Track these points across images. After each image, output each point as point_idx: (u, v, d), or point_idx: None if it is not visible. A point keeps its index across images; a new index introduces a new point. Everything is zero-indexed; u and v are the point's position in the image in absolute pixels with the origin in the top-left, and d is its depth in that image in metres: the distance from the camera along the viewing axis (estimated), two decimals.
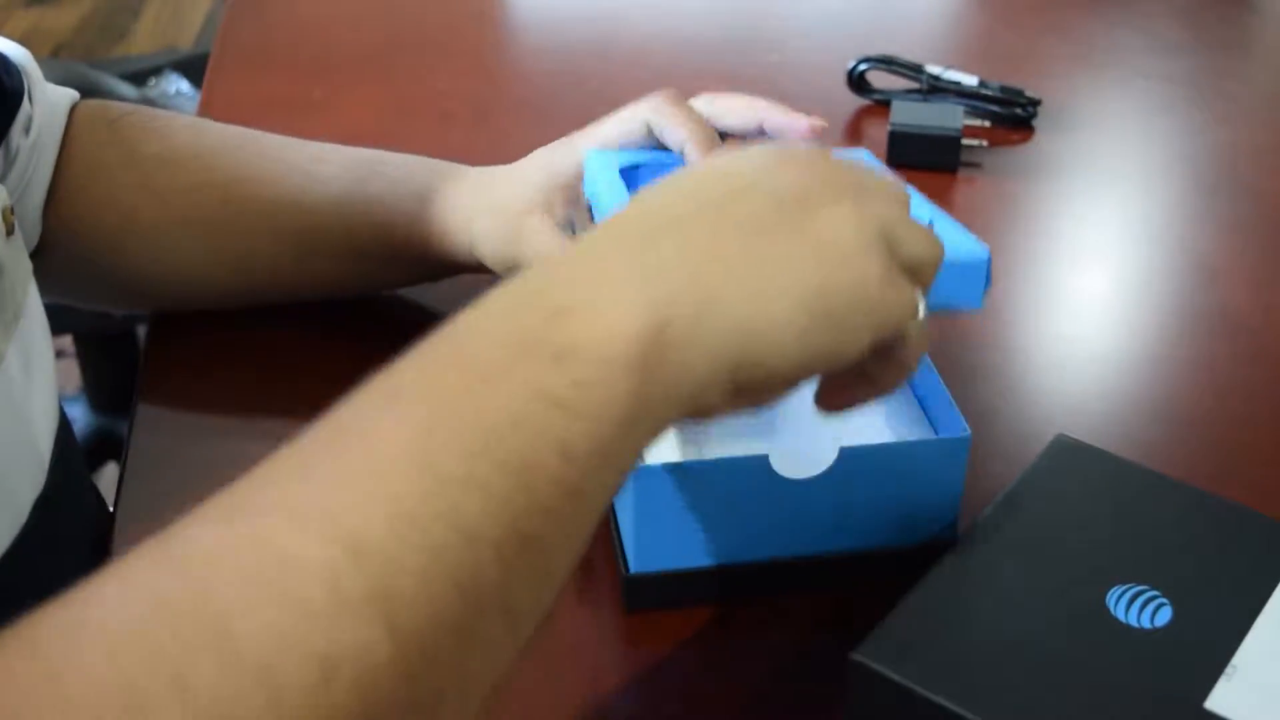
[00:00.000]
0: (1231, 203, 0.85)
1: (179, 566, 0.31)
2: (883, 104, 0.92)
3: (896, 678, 0.44)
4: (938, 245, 0.44)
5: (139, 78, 1.75)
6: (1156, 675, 0.44)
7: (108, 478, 1.53)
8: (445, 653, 0.32)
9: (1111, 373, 0.70)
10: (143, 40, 2.98)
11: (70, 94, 0.69)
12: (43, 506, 0.55)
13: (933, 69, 0.93)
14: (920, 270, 0.43)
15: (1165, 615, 0.46)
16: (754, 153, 0.44)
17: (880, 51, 0.94)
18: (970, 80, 0.92)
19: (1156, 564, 0.48)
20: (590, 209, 0.62)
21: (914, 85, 0.93)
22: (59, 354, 1.82)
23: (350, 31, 1.07)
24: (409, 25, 1.07)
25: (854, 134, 0.92)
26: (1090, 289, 0.78)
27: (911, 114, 0.86)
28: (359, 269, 0.68)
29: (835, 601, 0.54)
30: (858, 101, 0.94)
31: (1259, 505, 0.51)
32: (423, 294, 0.71)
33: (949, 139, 0.85)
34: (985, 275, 0.47)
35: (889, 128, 0.86)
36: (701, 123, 0.61)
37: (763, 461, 0.51)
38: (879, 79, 0.94)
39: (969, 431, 0.53)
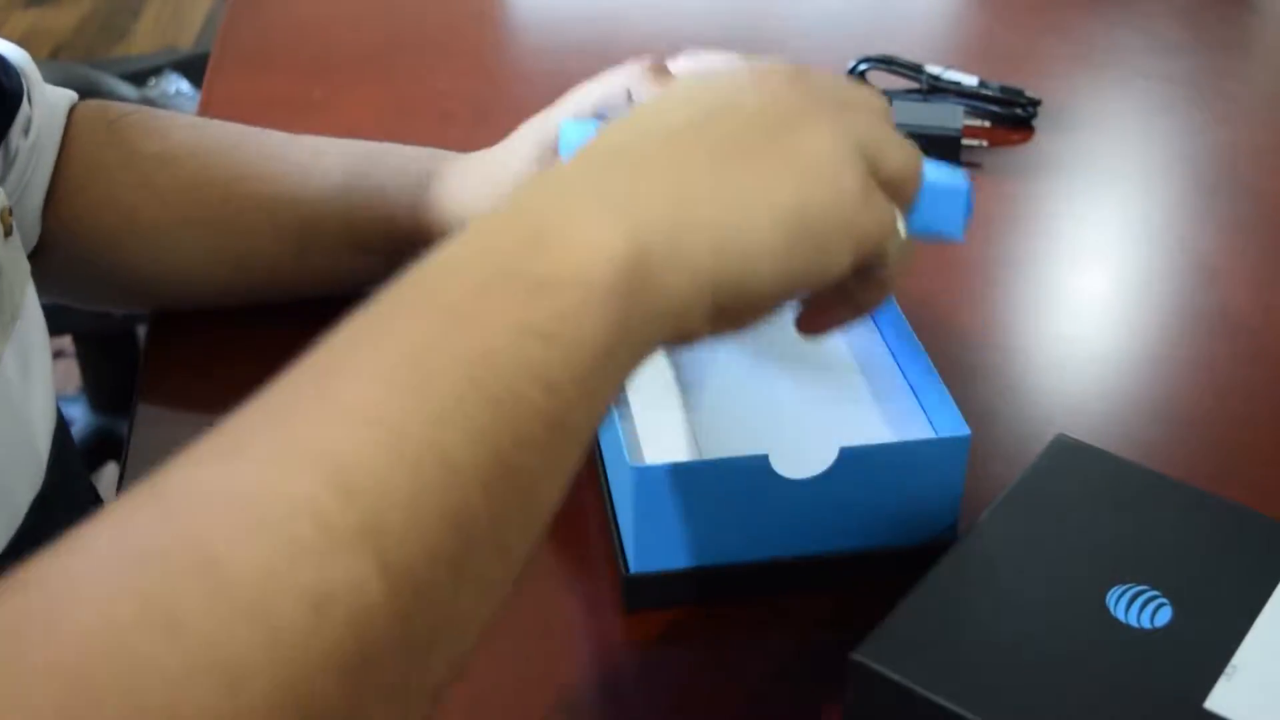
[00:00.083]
0: (1231, 203, 0.85)
1: (168, 510, 0.31)
2: None
3: (896, 678, 0.44)
4: (917, 158, 0.44)
5: (139, 78, 1.75)
6: (1156, 675, 0.44)
7: (108, 478, 1.53)
8: (438, 589, 0.32)
9: (1111, 373, 0.70)
10: (143, 40, 2.98)
11: (69, 95, 0.69)
12: (40, 507, 0.55)
13: (933, 69, 0.93)
14: (900, 185, 0.43)
15: (1165, 615, 0.46)
16: (729, 72, 0.44)
17: (880, 51, 0.94)
18: (970, 80, 0.92)
19: (1156, 564, 0.48)
20: None
21: (914, 85, 0.93)
22: (59, 354, 1.82)
23: (350, 31, 1.07)
24: (409, 25, 1.07)
25: None
26: (1090, 289, 0.78)
27: (911, 114, 0.86)
28: (360, 263, 0.68)
29: (835, 601, 0.54)
30: None
31: (1259, 505, 0.51)
32: None
33: (949, 139, 0.85)
34: (966, 203, 0.46)
35: None
36: None
37: (763, 461, 0.51)
38: (879, 79, 0.94)
39: (969, 431, 0.53)
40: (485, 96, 0.96)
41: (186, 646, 0.28)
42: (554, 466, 0.35)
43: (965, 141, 0.86)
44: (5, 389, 0.54)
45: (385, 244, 0.67)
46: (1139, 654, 0.45)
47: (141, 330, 1.44)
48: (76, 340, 1.65)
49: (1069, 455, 0.54)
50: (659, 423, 0.57)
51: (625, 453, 0.51)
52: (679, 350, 0.55)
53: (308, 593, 0.29)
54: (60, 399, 0.60)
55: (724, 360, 0.61)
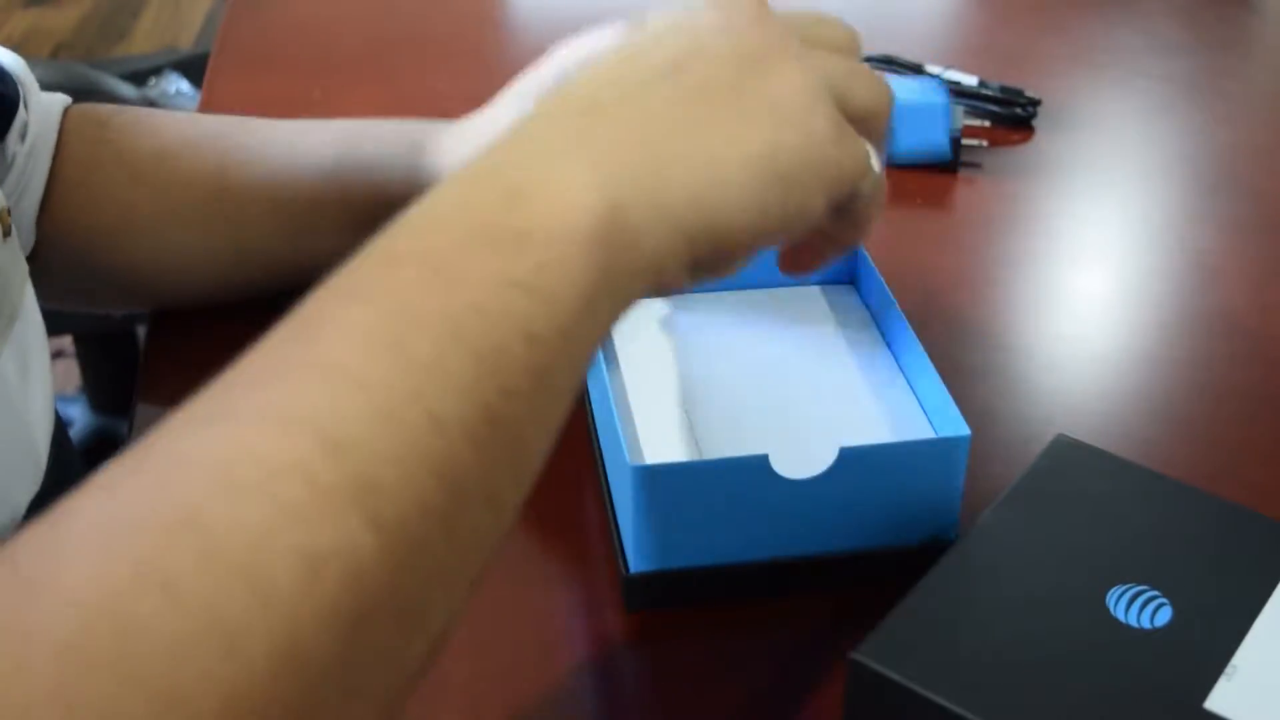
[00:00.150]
0: (1231, 203, 0.85)
1: (158, 476, 0.31)
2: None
3: (896, 678, 0.44)
4: (886, 91, 0.44)
5: (139, 78, 1.75)
6: (1156, 675, 0.44)
7: None
8: (430, 544, 0.32)
9: (1111, 373, 0.70)
10: (143, 40, 2.98)
11: (62, 99, 0.69)
12: (39, 507, 0.55)
13: (933, 69, 0.93)
14: (871, 121, 0.43)
15: (1165, 615, 0.46)
16: (693, 14, 0.43)
17: (880, 51, 0.94)
18: (970, 80, 0.92)
19: (1156, 564, 0.48)
20: None
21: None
22: (59, 354, 1.82)
23: (350, 31, 1.07)
24: (409, 25, 1.07)
25: None
26: (1090, 289, 0.78)
27: None
28: (360, 242, 0.68)
29: (835, 601, 0.54)
30: None
31: (1259, 505, 0.51)
32: None
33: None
34: (947, 117, 0.46)
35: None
36: None
37: (763, 461, 0.51)
38: None
39: (969, 431, 0.53)
40: (485, 96, 0.96)
41: (182, 610, 0.28)
42: (540, 417, 0.36)
43: (965, 141, 0.86)
44: (4, 390, 0.54)
45: (383, 217, 0.67)
46: (1139, 654, 0.45)
47: (141, 330, 1.44)
48: (76, 340, 1.65)
49: (1069, 455, 0.54)
50: (659, 423, 0.57)
51: (625, 453, 0.51)
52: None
53: (301, 554, 0.29)
54: (60, 399, 0.61)
55: (724, 360, 0.62)
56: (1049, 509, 0.51)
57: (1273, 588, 0.47)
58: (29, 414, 0.56)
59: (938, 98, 0.47)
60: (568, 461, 0.61)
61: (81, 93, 0.70)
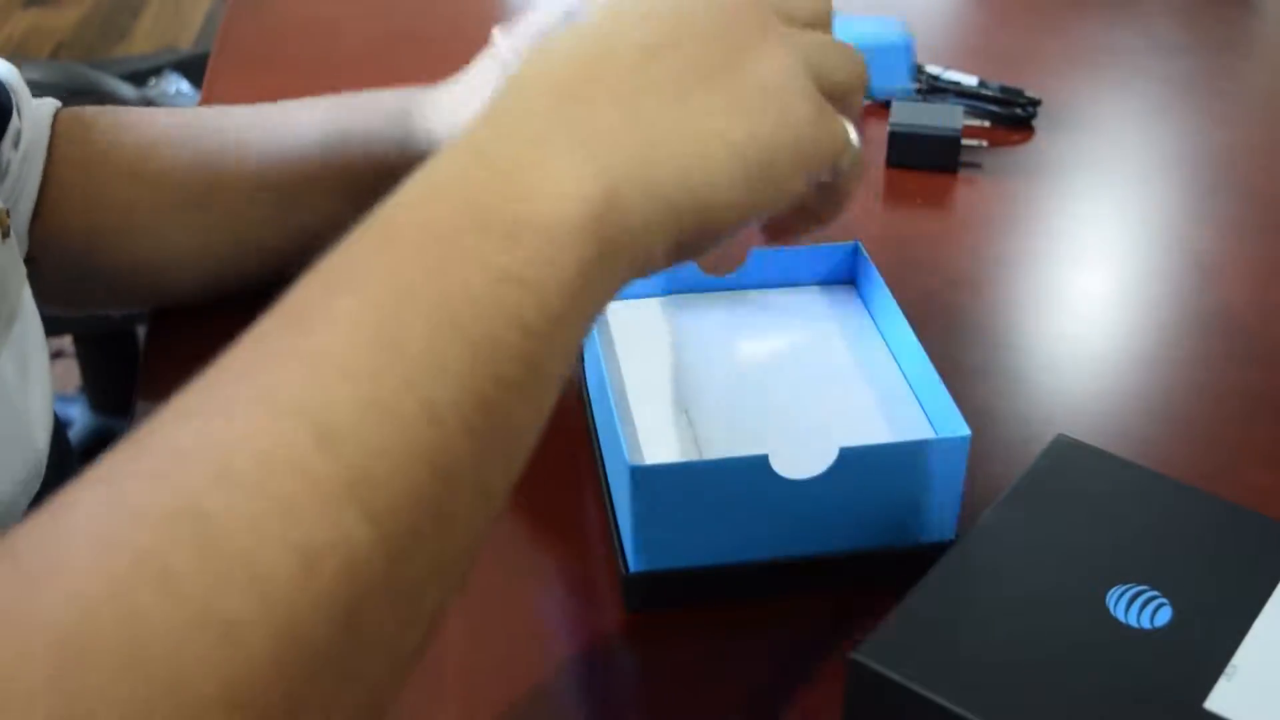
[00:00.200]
0: (1231, 203, 0.85)
1: (155, 468, 0.31)
2: (882, 104, 0.92)
3: (896, 678, 0.44)
4: (861, 66, 0.45)
5: (139, 78, 1.75)
6: (1156, 675, 0.44)
7: None
8: (425, 534, 0.32)
9: (1111, 373, 0.70)
10: (143, 40, 2.98)
11: (52, 103, 0.69)
12: (38, 508, 0.55)
13: (932, 69, 0.93)
14: (847, 96, 0.44)
15: (1165, 615, 0.46)
16: None
17: None
18: (970, 80, 0.92)
19: (1156, 564, 0.48)
20: None
21: (914, 85, 0.93)
22: (58, 354, 1.82)
23: (350, 31, 1.07)
24: (409, 25, 1.07)
25: None
26: (1090, 289, 0.78)
27: (911, 114, 0.86)
28: (351, 220, 0.68)
29: (835, 601, 0.54)
30: None
31: (1259, 505, 0.51)
32: None
33: (949, 139, 0.85)
34: (909, 55, 0.47)
35: (888, 128, 0.85)
36: None
37: (763, 461, 0.51)
38: None
39: (969, 431, 0.53)
40: None
41: (182, 600, 0.28)
42: (532, 406, 0.36)
43: (965, 141, 0.86)
44: (4, 390, 0.54)
45: (376, 189, 0.67)
46: (1139, 654, 0.45)
47: (141, 330, 1.44)
48: (76, 340, 1.64)
49: (1069, 455, 0.54)
50: (659, 423, 0.57)
51: (625, 453, 0.51)
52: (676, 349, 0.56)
53: (297, 547, 0.29)
54: (60, 399, 0.61)
55: (724, 360, 0.62)
56: (1049, 509, 0.51)
57: (1273, 588, 0.47)
58: (28, 414, 0.56)
59: (898, 38, 0.47)
60: (568, 461, 0.61)
61: (82, 93, 0.71)
